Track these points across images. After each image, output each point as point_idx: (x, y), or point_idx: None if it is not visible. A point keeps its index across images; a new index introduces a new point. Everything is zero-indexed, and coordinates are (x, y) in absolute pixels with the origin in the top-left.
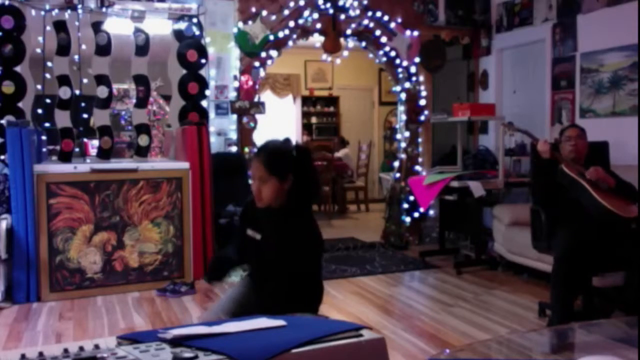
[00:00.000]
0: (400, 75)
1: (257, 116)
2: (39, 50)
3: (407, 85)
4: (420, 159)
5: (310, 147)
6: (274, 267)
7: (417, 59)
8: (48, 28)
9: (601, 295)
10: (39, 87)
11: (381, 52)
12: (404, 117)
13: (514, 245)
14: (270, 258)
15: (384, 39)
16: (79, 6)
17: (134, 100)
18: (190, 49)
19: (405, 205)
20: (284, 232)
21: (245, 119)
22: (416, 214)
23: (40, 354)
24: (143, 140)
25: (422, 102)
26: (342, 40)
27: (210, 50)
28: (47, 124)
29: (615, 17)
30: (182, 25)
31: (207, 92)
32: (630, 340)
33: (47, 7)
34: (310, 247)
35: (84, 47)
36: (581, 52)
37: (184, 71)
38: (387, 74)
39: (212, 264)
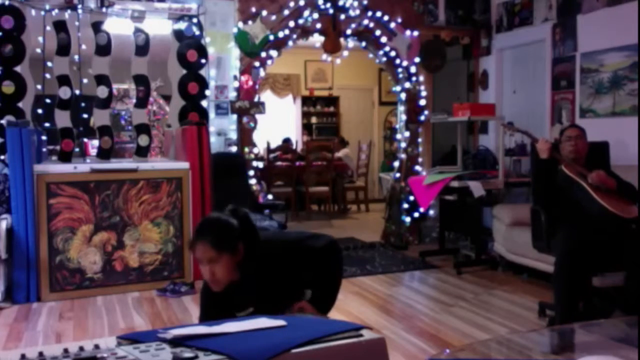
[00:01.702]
0: (400, 75)
1: (257, 116)
2: (39, 50)
3: (407, 85)
4: (420, 159)
5: (309, 147)
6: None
7: (417, 59)
8: (48, 28)
9: (601, 295)
10: (39, 87)
11: (381, 52)
12: (404, 117)
13: (514, 245)
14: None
15: (384, 39)
16: (79, 6)
17: (134, 100)
18: (190, 49)
19: (405, 205)
20: (273, 278)
21: (245, 119)
22: (416, 214)
23: (40, 354)
24: (143, 140)
25: (422, 102)
26: (342, 40)
27: (210, 50)
28: (47, 124)
29: (615, 17)
30: (182, 25)
31: (207, 92)
32: (630, 340)
33: (47, 7)
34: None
35: (84, 47)
36: (581, 52)
37: (184, 71)
38: (387, 74)
39: None
